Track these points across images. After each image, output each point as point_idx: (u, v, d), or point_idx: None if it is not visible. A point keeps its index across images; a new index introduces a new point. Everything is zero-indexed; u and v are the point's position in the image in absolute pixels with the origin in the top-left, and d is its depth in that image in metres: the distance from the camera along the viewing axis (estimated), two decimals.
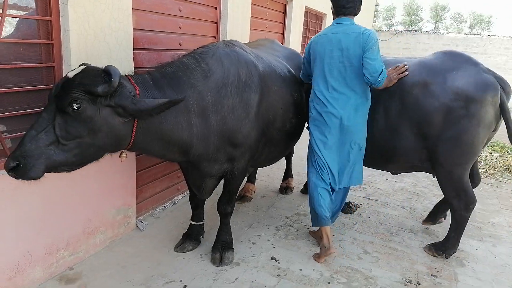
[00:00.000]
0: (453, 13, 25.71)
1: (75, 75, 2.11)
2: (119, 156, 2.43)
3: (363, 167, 3.37)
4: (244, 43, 3.25)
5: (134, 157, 3.31)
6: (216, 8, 4.30)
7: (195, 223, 3.24)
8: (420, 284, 2.91)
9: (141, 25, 3.22)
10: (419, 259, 3.27)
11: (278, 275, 2.91)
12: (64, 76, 2.19)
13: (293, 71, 3.53)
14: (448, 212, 3.62)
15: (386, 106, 3.26)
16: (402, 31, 14.91)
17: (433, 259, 3.28)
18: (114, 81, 2.10)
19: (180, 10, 3.69)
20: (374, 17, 13.99)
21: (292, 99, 3.33)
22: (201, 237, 3.30)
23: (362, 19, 12.04)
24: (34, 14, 2.43)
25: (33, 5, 2.43)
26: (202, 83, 2.53)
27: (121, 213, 3.27)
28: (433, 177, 3.47)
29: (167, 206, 3.97)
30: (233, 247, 3.13)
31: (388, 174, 5.39)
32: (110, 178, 3.07)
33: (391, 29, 17.13)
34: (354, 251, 3.32)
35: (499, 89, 2.99)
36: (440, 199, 3.82)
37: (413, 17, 25.46)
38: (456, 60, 3.17)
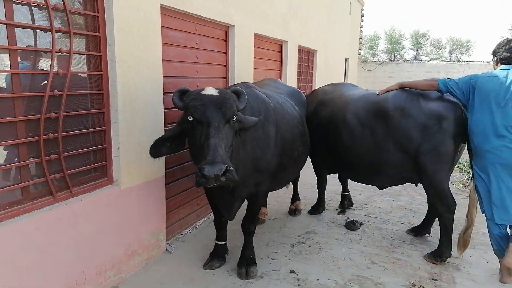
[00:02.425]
0: (432, 40, 26.98)
1: (219, 93, 2.61)
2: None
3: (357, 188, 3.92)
4: (252, 83, 3.80)
5: (164, 184, 3.74)
6: (225, 53, 4.88)
7: (220, 243, 3.65)
8: (423, 287, 3.33)
9: (167, 72, 3.75)
10: (420, 266, 3.70)
11: (299, 285, 3.30)
12: (203, 94, 2.63)
13: (296, 107, 4.07)
14: (434, 226, 4.16)
15: (372, 128, 3.89)
16: (386, 60, 15.90)
17: (433, 266, 3.70)
18: (245, 99, 2.71)
19: (197, 58, 4.25)
20: (359, 48, 14.91)
21: (298, 131, 3.85)
22: (226, 255, 3.69)
23: (349, 49, 12.87)
24: (87, 70, 2.94)
25: (86, 62, 2.94)
26: None
27: (155, 237, 3.67)
28: (416, 185, 4.23)
29: (190, 231, 4.36)
30: (256, 262, 3.53)
31: (386, 194, 5.90)
32: (147, 205, 3.50)
33: (375, 58, 18.15)
34: (362, 262, 3.74)
35: (462, 108, 3.61)
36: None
37: (395, 45, 26.73)
38: None
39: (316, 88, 5.33)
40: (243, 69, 5.19)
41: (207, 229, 4.39)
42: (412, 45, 27.43)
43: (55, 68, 2.61)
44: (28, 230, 2.45)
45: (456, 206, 3.72)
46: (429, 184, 3.77)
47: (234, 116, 2.61)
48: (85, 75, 2.95)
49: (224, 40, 4.81)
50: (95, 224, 2.96)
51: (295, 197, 5.11)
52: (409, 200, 5.74)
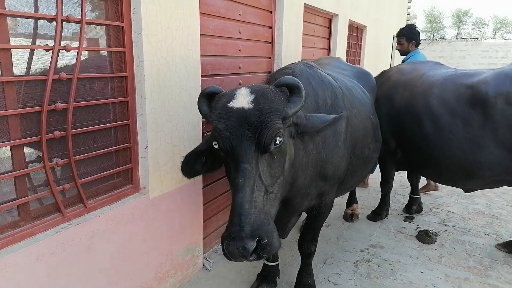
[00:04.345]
0: (475, 18, 25.13)
1: (255, 102, 1.64)
2: None
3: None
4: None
5: (201, 189, 3.06)
6: (270, 27, 4.08)
7: (271, 264, 2.94)
8: None
9: (206, 50, 3.01)
10: None
11: None
12: (231, 107, 1.66)
13: (366, 92, 3.24)
14: None
15: (465, 118, 3.10)
16: (437, 39, 14.47)
17: None
18: (303, 96, 1.70)
19: (240, 32, 3.48)
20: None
21: (370, 123, 3.04)
22: (277, 277, 2.99)
23: (396, 26, 11.71)
24: (106, 45, 2.24)
25: (104, 35, 2.24)
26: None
27: (190, 252, 3.02)
28: None
29: None
30: None
31: (457, 195, 5.01)
32: (181, 215, 2.83)
33: (428, 38, 16.65)
34: None
35: None
36: None
37: (434, 24, 25.10)
38: None
39: (386, 68, 4.44)
40: (291, 47, 4.37)
41: None
42: (453, 24, 25.62)
43: (62, 43, 1.92)
44: (26, 263, 1.81)
45: None
46: None
47: (279, 138, 1.66)
48: (103, 53, 2.25)
49: (271, 12, 4.00)
50: (117, 246, 2.31)
51: (352, 199, 4.31)
52: (487, 202, 4.81)
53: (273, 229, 1.65)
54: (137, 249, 2.47)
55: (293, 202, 2.35)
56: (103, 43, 2.23)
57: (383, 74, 4.10)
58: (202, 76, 2.91)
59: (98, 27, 2.19)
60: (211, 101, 1.84)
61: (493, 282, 3.07)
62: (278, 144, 1.67)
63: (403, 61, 4.88)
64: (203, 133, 3.00)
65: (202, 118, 2.98)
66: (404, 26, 4.91)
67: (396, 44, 4.94)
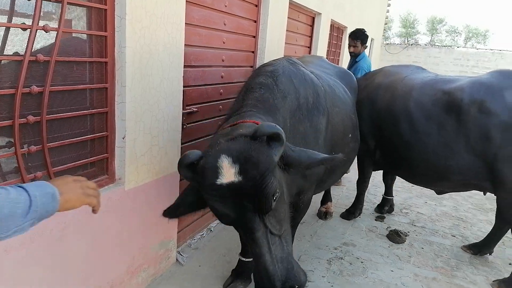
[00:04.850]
0: (449, 26, 26.19)
1: (239, 174, 1.53)
2: None
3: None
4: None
5: (178, 182, 2.99)
6: (255, 21, 4.03)
7: (246, 259, 2.92)
8: None
9: (190, 40, 2.93)
10: None
11: None
12: (220, 184, 1.55)
13: (348, 92, 3.26)
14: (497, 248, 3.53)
15: (440, 123, 3.19)
16: (412, 44, 14.83)
17: None
18: (283, 139, 1.62)
19: (224, 24, 3.41)
20: (384, 29, 13.87)
21: (351, 122, 3.07)
22: (252, 274, 2.97)
23: (375, 31, 11.90)
24: (87, 28, 2.13)
25: (86, 17, 2.13)
26: (282, 105, 2.23)
27: (164, 246, 2.95)
28: (484, 194, 3.65)
29: (204, 235, 3.64)
30: None
31: (425, 196, 5.16)
32: (155, 208, 2.75)
33: (387, 42, 17.00)
34: None
35: None
36: (491, 226, 3.70)
37: (409, 29, 25.91)
38: (511, 78, 3.10)
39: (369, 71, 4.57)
40: (274, 42, 4.35)
41: (224, 232, 3.66)
42: (427, 30, 26.59)
43: (40, 23, 1.81)
44: None
45: None
46: (505, 197, 3.05)
47: (276, 195, 1.61)
48: (83, 36, 2.15)
49: (256, 6, 3.96)
50: (89, 238, 2.22)
51: (327, 197, 4.36)
52: (454, 205, 4.99)
53: (298, 268, 1.70)
54: (110, 242, 2.39)
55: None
56: (84, 25, 2.12)
57: (367, 75, 4.16)
58: (185, 66, 2.84)
59: (80, 8, 2.08)
60: (194, 167, 1.68)
61: (459, 282, 3.19)
62: (275, 199, 1.62)
63: (353, 63, 5.03)
64: (183, 125, 2.93)
65: (183, 110, 2.92)
66: (358, 29, 5.01)
67: (349, 46, 5.04)
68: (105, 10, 2.13)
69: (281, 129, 1.61)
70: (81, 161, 2.20)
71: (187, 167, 1.66)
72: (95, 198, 1.24)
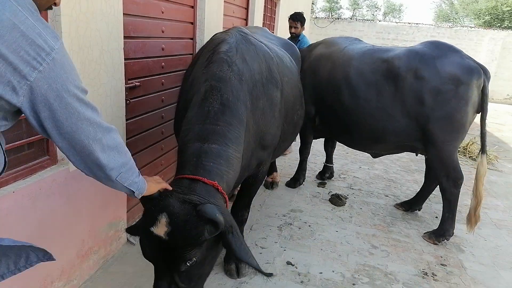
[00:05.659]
0: (369, 1, 27.90)
1: (168, 235, 1.61)
2: None
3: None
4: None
5: None
6: None
7: None
8: (436, 275, 2.96)
9: (128, 9, 2.74)
10: (423, 248, 3.34)
11: (302, 282, 2.75)
12: (151, 231, 1.65)
13: (293, 61, 3.33)
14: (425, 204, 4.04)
15: (378, 89, 3.40)
16: (338, 18, 15.41)
17: (435, 247, 3.37)
18: (220, 229, 1.66)
19: None
20: (313, 3, 14.17)
21: (298, 90, 3.19)
22: None
23: (303, 7, 12.13)
24: None
25: None
26: (241, 89, 2.22)
27: (113, 227, 2.84)
28: (416, 155, 3.94)
29: None
30: None
31: (359, 161, 5.53)
32: (102, 189, 2.61)
33: (328, 17, 17.60)
34: (363, 247, 3.28)
35: (482, 73, 3.23)
36: (417, 185, 4.10)
37: (332, 4, 27.21)
38: (441, 48, 3.40)
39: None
40: (213, 13, 4.24)
41: None
42: (349, 5, 28.02)
43: None
44: None
45: (463, 180, 3.37)
46: (436, 156, 3.38)
47: (189, 261, 1.68)
48: None
49: None
50: (35, 224, 2.06)
51: (273, 168, 4.46)
52: (384, 168, 5.43)
53: None
54: (57, 226, 2.24)
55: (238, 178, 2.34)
56: None
57: (310, 47, 4.27)
58: (124, 37, 2.67)
59: None
60: (151, 199, 1.72)
61: (395, 236, 3.52)
62: (191, 264, 1.68)
63: (295, 43, 5.17)
64: (126, 100, 2.78)
65: (125, 85, 2.76)
66: (297, 12, 5.19)
67: (290, 27, 5.18)
68: None
69: (221, 219, 1.64)
70: (18, 142, 2.00)
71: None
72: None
